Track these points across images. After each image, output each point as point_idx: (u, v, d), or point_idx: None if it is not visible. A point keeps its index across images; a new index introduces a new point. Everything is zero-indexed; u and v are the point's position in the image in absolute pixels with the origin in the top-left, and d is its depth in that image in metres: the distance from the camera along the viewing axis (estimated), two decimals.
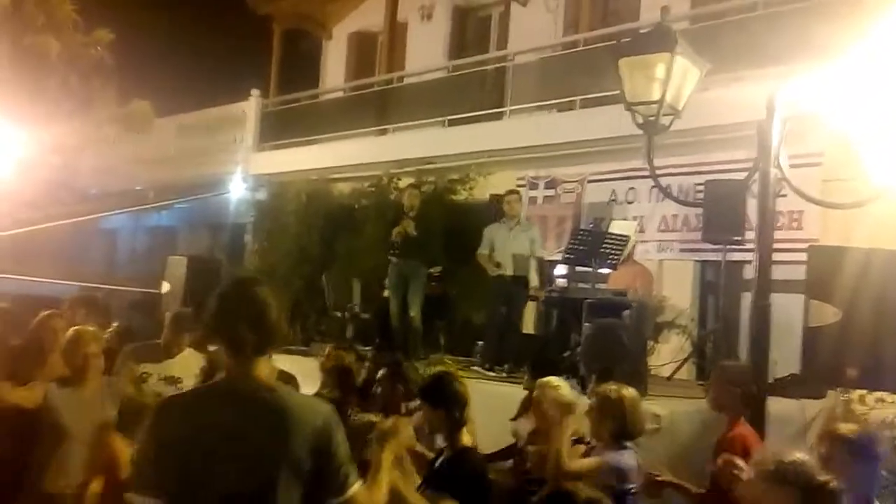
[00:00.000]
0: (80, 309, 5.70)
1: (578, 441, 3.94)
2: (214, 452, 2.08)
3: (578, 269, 7.57)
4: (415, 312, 8.09)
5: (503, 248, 7.76)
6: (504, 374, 7.19)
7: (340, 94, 13.55)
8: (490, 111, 10.46)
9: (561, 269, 8.15)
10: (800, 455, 2.24)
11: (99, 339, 4.19)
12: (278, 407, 2.14)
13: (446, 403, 3.38)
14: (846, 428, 3.04)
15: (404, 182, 10.65)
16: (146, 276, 11.22)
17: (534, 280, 7.76)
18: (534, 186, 10.03)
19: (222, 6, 15.75)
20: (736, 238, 7.10)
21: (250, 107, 13.60)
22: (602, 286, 7.09)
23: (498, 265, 7.69)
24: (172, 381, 4.63)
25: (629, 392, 3.77)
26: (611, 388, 3.82)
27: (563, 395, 3.93)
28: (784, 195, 4.41)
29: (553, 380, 4.08)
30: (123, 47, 11.30)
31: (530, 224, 8.30)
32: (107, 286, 12.43)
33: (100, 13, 11.21)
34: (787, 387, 5.83)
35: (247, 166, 13.18)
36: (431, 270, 8.51)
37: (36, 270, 11.47)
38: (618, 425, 3.68)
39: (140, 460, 2.19)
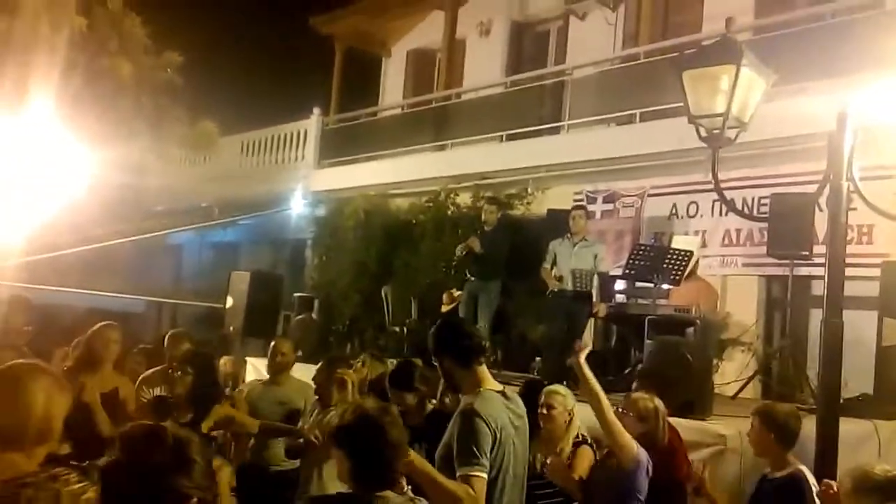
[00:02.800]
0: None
1: (582, 442, 4.30)
2: None
3: (638, 284, 7.47)
4: (481, 329, 8.10)
5: (566, 263, 7.71)
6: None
7: (399, 110, 13.70)
8: (548, 126, 10.43)
9: (620, 285, 8.05)
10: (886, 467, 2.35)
11: None
12: None
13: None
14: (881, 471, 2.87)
15: (463, 197, 10.70)
16: (211, 290, 11.49)
17: (596, 296, 7.67)
18: (592, 201, 9.94)
19: (286, 27, 16.18)
20: (804, 253, 6.91)
21: (311, 125, 13.86)
22: (663, 302, 6.97)
23: (559, 280, 7.64)
24: None
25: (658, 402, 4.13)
26: (643, 396, 4.20)
27: (569, 402, 4.35)
28: (854, 209, 4.27)
29: (559, 388, 4.46)
30: (191, 69, 11.64)
31: (596, 240, 8.22)
32: (173, 301, 12.79)
33: (169, 36, 11.60)
34: (859, 407, 5.64)
35: (307, 183, 13.42)
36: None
37: (105, 285, 11.87)
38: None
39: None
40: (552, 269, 7.76)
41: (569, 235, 7.84)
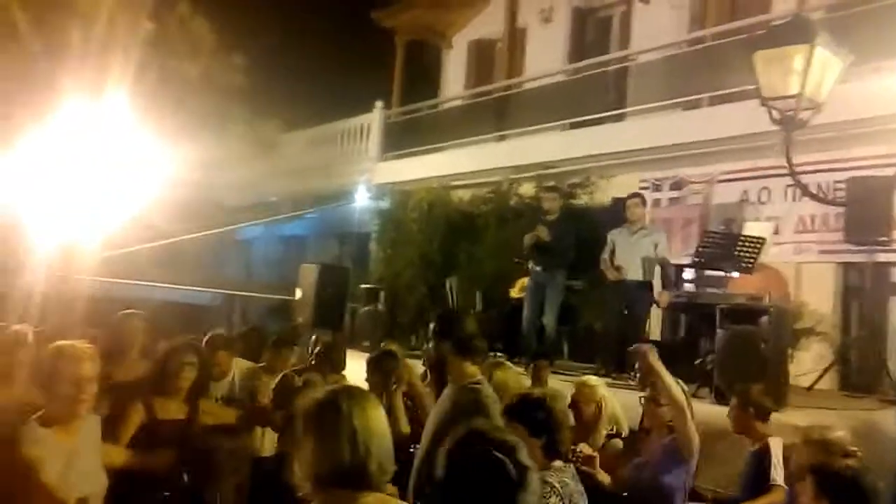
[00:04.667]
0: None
1: (615, 435, 4.39)
2: None
3: (708, 273, 7.32)
4: (548, 320, 8.07)
5: (624, 252, 7.61)
6: (627, 382, 7.01)
7: (460, 102, 13.71)
8: (611, 112, 10.28)
9: (688, 274, 7.90)
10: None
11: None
12: None
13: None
14: None
15: (525, 188, 10.65)
16: (280, 283, 11.72)
17: (657, 286, 7.55)
18: (657, 188, 9.77)
19: (348, 23, 16.35)
20: (882, 238, 6.66)
21: (374, 118, 14.00)
22: (731, 291, 6.79)
23: (618, 269, 7.54)
24: None
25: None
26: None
27: (597, 393, 4.43)
28: None
29: (592, 379, 4.55)
30: (257, 68, 11.93)
31: (655, 228, 8.08)
32: (244, 293, 13.11)
33: (237, 36, 11.90)
34: None
35: (371, 176, 13.56)
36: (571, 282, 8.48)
37: (179, 279, 12.24)
38: None
39: None
40: (612, 259, 7.67)
41: (627, 224, 7.73)
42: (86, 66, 8.70)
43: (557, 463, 2.98)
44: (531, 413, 2.97)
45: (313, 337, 6.36)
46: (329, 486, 2.14)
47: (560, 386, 5.39)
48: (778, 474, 4.05)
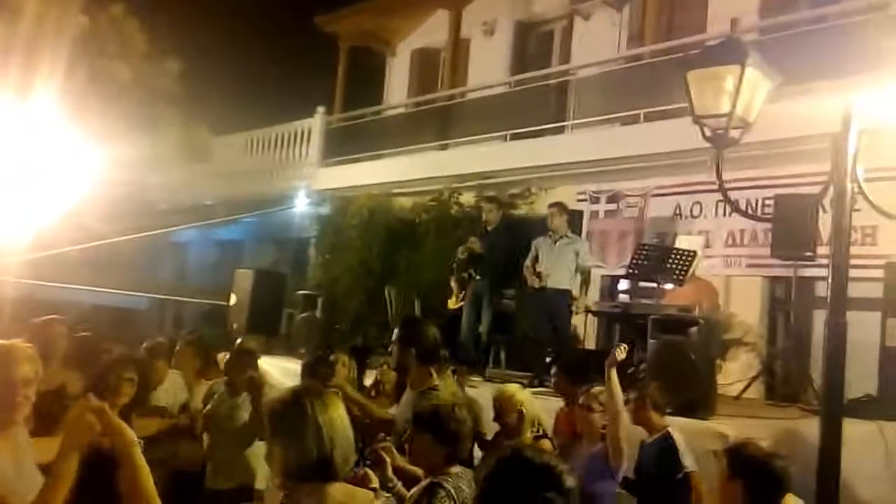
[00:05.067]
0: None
1: (542, 436, 4.49)
2: None
3: (642, 284, 7.47)
4: (483, 328, 8.13)
5: (547, 260, 7.73)
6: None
7: (403, 109, 13.71)
8: (552, 125, 10.43)
9: (623, 284, 8.05)
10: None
11: None
12: None
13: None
14: None
15: (466, 197, 10.71)
16: (215, 288, 11.51)
17: (576, 293, 7.69)
18: (595, 201, 9.95)
19: (290, 26, 16.19)
20: (807, 254, 6.90)
21: (315, 123, 13.87)
22: (665, 302, 6.96)
23: (539, 276, 7.65)
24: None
25: None
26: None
27: (517, 399, 4.47)
28: (858, 210, 4.27)
29: (509, 388, 4.62)
30: (194, 70, 11.69)
31: (577, 237, 8.21)
32: (177, 298, 12.82)
33: (173, 35, 11.63)
34: (863, 408, 5.64)
35: (311, 181, 13.43)
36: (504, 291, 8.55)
37: (110, 282, 11.90)
38: None
39: None
40: (534, 266, 7.78)
41: (550, 233, 7.85)
42: (12, 61, 8.41)
43: (455, 468, 3.08)
44: (443, 424, 3.11)
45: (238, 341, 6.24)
46: (298, 480, 2.31)
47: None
48: (689, 461, 4.27)
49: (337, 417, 2.38)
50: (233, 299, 9.60)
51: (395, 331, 3.83)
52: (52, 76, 8.43)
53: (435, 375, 3.73)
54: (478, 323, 8.19)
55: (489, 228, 8.39)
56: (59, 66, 8.71)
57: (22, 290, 8.14)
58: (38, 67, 8.57)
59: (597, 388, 4.42)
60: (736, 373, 7.50)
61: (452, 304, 8.92)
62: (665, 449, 4.36)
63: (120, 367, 4.03)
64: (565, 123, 10.33)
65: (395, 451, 3.34)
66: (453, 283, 8.87)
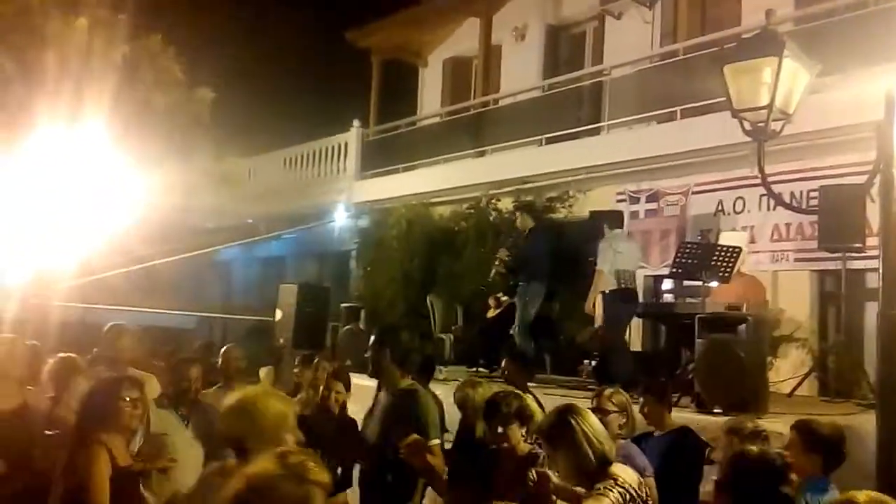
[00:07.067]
0: None
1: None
2: None
3: (686, 283, 7.36)
4: (518, 331, 8.10)
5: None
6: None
7: (438, 119, 13.76)
8: (587, 127, 10.37)
9: (667, 284, 7.94)
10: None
11: None
12: None
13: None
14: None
15: (504, 203, 10.69)
16: (260, 304, 11.65)
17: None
18: (634, 201, 9.85)
19: (323, 43, 16.40)
20: (856, 245, 6.74)
21: (352, 137, 14.02)
22: (710, 300, 6.84)
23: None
24: None
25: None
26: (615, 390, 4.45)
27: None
28: None
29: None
30: (228, 92, 11.88)
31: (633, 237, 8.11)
32: (223, 315, 13.02)
33: (209, 58, 11.86)
34: None
35: (350, 195, 13.56)
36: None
37: (158, 303, 12.13)
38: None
39: None
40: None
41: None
42: (60, 93, 8.67)
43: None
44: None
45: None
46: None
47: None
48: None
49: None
50: (278, 314, 9.70)
51: (372, 336, 4.14)
52: (98, 106, 8.67)
53: (406, 378, 3.99)
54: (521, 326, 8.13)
55: (525, 234, 8.36)
56: (104, 96, 8.96)
57: (71, 314, 8.35)
58: (85, 98, 8.82)
59: (609, 390, 4.41)
60: (788, 370, 7.35)
61: (492, 313, 8.95)
62: (679, 440, 4.49)
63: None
64: (601, 124, 10.26)
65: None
66: (490, 300, 8.92)
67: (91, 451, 3.13)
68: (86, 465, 3.09)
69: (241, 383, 5.28)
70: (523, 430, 3.55)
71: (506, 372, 5.87)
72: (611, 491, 2.88)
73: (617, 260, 7.33)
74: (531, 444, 3.53)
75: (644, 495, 3.01)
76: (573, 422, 2.96)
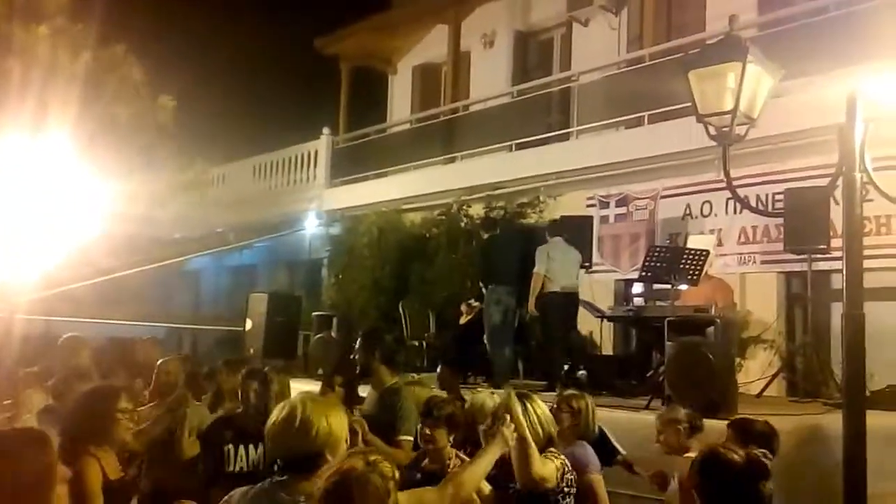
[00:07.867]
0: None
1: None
2: None
3: (656, 286, 7.42)
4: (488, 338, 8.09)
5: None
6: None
7: (408, 126, 13.75)
8: (557, 133, 10.43)
9: (637, 288, 8.00)
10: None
11: None
12: None
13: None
14: None
15: (475, 208, 10.70)
16: (230, 314, 11.52)
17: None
18: (604, 205, 9.92)
19: (291, 51, 16.32)
20: (821, 246, 6.84)
21: (321, 145, 13.96)
22: (679, 303, 6.91)
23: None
24: None
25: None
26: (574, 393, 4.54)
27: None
28: (870, 200, 4.22)
29: (481, 396, 4.51)
30: (194, 101, 11.74)
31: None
32: (193, 326, 12.85)
33: (175, 66, 11.73)
34: (887, 399, 5.57)
35: (320, 203, 13.48)
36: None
37: (125, 314, 11.96)
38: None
39: None
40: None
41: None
42: (22, 102, 8.52)
43: None
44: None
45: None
46: None
47: None
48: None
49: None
50: (248, 324, 9.60)
51: (358, 339, 4.45)
52: (61, 116, 8.53)
53: (394, 377, 4.33)
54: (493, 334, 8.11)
55: (490, 239, 8.37)
56: (67, 106, 8.81)
57: (35, 327, 8.19)
58: (48, 107, 8.67)
59: (569, 392, 4.57)
60: (756, 371, 7.43)
61: (464, 319, 8.93)
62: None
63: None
64: (570, 130, 10.32)
65: None
66: (463, 307, 8.91)
67: (82, 465, 3.05)
68: (77, 479, 2.98)
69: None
70: (450, 438, 3.67)
71: (440, 378, 6.01)
72: (556, 458, 3.35)
73: (551, 266, 7.43)
74: (457, 451, 3.68)
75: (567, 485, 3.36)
76: (524, 403, 3.35)
